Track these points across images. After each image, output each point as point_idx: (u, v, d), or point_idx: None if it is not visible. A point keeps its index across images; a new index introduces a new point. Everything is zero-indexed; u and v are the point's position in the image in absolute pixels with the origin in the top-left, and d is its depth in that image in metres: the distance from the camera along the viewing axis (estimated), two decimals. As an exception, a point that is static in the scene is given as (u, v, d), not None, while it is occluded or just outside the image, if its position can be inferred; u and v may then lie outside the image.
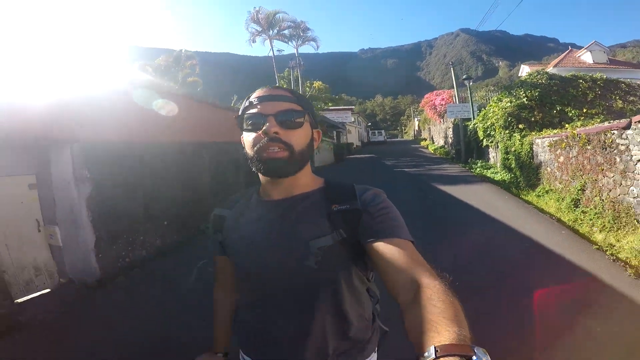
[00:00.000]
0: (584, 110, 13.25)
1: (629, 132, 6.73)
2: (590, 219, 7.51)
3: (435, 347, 0.67)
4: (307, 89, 30.75)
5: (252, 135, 1.18)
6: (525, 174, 12.14)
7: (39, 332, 4.75)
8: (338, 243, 1.14)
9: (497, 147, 15.03)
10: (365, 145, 55.27)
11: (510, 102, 14.13)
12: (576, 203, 8.46)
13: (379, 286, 1.24)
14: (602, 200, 7.58)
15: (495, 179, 14.12)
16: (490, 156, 17.12)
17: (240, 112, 1.24)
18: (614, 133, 7.19)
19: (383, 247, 1.04)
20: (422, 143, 44.32)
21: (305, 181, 1.27)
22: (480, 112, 18.12)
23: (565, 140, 9.24)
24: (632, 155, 6.64)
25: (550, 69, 27.32)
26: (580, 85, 14.70)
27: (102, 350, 4.04)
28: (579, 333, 3.67)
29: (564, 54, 32.30)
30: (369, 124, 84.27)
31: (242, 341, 1.40)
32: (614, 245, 6.12)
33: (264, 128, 1.13)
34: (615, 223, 6.88)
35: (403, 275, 0.94)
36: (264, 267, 1.22)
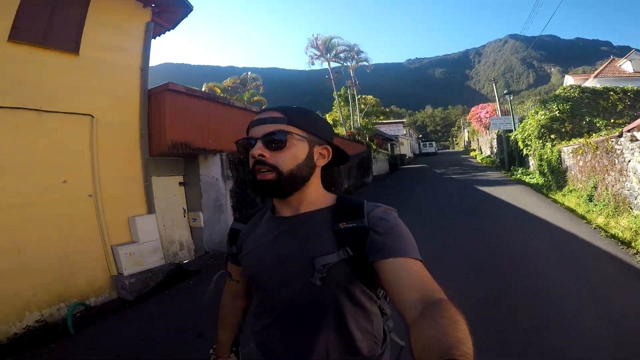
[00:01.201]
0: (612, 121, 14.85)
1: (621, 139, 8.87)
2: (600, 209, 9.53)
3: None
4: (363, 105, 33.66)
5: (249, 158, 1.22)
6: (556, 178, 14.09)
7: (206, 273, 7.70)
8: (344, 261, 1.15)
9: (534, 155, 16.95)
10: (417, 157, 57.46)
11: (545, 114, 15.94)
12: (590, 198, 10.52)
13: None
14: (608, 194, 9.63)
15: (530, 182, 16.37)
16: (530, 164, 19.08)
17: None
18: (612, 141, 9.35)
19: (391, 266, 1.05)
20: (472, 153, 46.30)
21: (314, 198, 1.29)
22: (521, 123, 19.94)
23: (582, 148, 11.38)
24: (625, 158, 8.75)
25: (590, 80, 28.45)
26: (611, 97, 16.29)
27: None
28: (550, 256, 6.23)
29: (606, 63, 32.63)
30: (420, 135, 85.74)
31: (256, 348, 1.40)
32: (610, 225, 8.26)
33: (251, 151, 1.19)
34: (615, 211, 8.89)
35: (410, 294, 0.96)
36: (270, 281, 1.26)
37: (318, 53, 31.39)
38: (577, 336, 3.80)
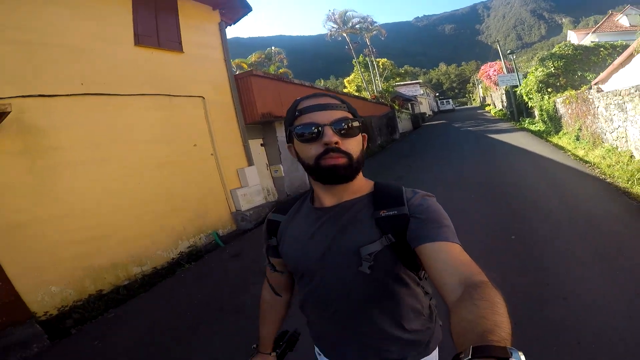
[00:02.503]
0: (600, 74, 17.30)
1: (591, 91, 11.76)
2: (583, 145, 12.38)
3: (473, 347, 0.68)
4: (382, 69, 36.66)
5: (308, 145, 1.19)
6: (553, 124, 16.89)
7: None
8: (387, 247, 1.18)
9: (537, 106, 19.72)
10: (436, 114, 60.89)
11: (542, 71, 18.51)
12: (577, 137, 13.38)
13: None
14: (588, 133, 12.49)
15: (533, 129, 19.32)
16: (535, 114, 21.73)
17: (288, 122, 1.27)
18: (586, 92, 12.20)
19: (431, 250, 1.07)
20: (487, 108, 48.63)
21: (357, 187, 1.29)
22: (525, 79, 22.48)
23: (568, 99, 14.20)
24: (595, 105, 11.63)
25: (589, 35, 30.25)
26: (601, 52, 18.53)
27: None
28: (530, 168, 9.43)
29: (604, 19, 33.80)
30: (437, 94, 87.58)
31: (313, 337, 1.48)
32: (589, 155, 11.11)
33: (324, 139, 1.15)
34: (593, 145, 11.81)
35: (450, 277, 0.98)
36: (317, 272, 1.28)
37: (336, 26, 34.98)
38: (539, 197, 7.24)
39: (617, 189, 7.32)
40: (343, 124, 1.17)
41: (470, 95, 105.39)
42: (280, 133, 12.28)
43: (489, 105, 49.76)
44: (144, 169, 8.07)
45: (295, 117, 1.22)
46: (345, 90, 34.13)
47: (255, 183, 10.76)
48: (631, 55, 11.53)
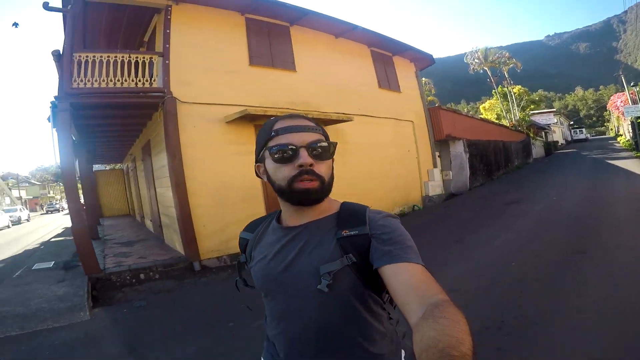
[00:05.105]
0: None
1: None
2: None
3: None
4: (518, 99, 42.37)
5: (282, 166, 1.20)
6: None
7: (460, 196, 17.43)
8: (348, 267, 1.17)
9: None
10: (569, 143, 62.49)
11: None
12: None
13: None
14: None
15: (647, 157, 23.23)
16: None
17: (262, 142, 1.26)
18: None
19: (393, 271, 1.07)
20: (618, 139, 49.85)
21: (324, 207, 1.30)
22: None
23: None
24: None
25: None
26: None
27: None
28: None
29: None
30: (571, 122, 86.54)
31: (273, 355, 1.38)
32: None
33: (300, 161, 1.16)
34: None
35: (412, 297, 0.98)
36: (277, 291, 1.28)
37: (478, 61, 42.39)
38: (615, 185, 12.98)
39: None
40: (316, 147, 1.20)
41: (608, 124, 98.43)
42: (453, 149, 18.57)
43: (621, 135, 50.00)
44: (384, 161, 13.79)
45: (271, 137, 1.22)
46: (482, 116, 38.62)
47: (437, 179, 16.95)
48: None
